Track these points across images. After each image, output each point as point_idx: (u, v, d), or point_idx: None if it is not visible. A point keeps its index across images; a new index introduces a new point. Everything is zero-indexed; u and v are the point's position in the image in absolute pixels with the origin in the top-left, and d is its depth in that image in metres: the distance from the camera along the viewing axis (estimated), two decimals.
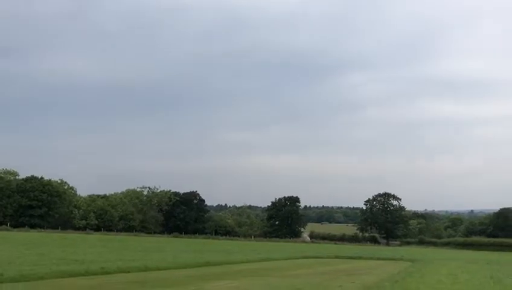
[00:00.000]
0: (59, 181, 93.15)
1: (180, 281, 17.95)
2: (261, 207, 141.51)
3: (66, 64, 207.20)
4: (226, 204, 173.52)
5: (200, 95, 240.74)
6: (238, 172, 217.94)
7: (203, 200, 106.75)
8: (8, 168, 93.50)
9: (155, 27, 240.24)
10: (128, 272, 20.32)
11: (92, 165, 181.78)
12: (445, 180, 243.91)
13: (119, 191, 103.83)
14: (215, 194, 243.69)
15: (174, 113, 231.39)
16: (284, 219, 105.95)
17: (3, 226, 74.39)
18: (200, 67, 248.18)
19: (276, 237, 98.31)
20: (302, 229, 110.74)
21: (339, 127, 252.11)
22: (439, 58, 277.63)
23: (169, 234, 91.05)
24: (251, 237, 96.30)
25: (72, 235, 67.31)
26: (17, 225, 77.34)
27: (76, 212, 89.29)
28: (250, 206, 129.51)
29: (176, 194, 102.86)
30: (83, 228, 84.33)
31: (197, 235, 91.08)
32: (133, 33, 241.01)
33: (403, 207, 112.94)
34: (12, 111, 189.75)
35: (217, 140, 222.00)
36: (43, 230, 75.08)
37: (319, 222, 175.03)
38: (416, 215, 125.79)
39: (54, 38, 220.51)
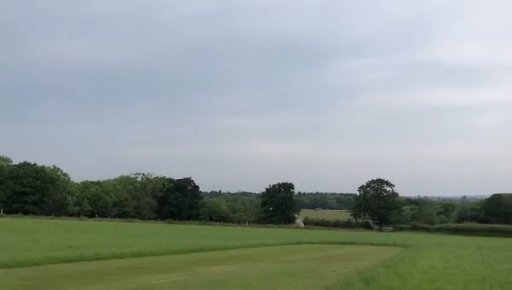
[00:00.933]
0: (52, 167, 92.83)
1: (175, 267, 18.03)
2: (255, 193, 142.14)
3: (57, 49, 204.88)
4: (220, 190, 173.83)
5: (195, 80, 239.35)
6: (233, 158, 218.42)
7: (197, 187, 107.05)
8: (1, 155, 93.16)
9: (149, 12, 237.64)
10: (123, 257, 20.37)
11: (85, 151, 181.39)
12: (438, 167, 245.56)
13: (113, 178, 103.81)
14: (209, 181, 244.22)
15: (168, 99, 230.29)
16: (278, 205, 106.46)
17: None
18: (194, 53, 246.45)
19: (270, 223, 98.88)
20: (296, 215, 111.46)
21: (333, 114, 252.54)
22: (436, 44, 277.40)
23: (164, 220, 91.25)
24: (245, 223, 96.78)
25: (65, 222, 67.26)
26: (10, 211, 77.14)
27: (70, 198, 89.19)
28: (244, 193, 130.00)
29: (170, 180, 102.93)
30: (76, 214, 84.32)
31: (191, 221, 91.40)
32: (126, 18, 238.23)
33: (396, 193, 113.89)
34: (4, 98, 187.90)
35: (212, 126, 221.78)
36: (36, 216, 74.96)
37: (313, 208, 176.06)
38: (409, 201, 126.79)
39: (45, 24, 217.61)
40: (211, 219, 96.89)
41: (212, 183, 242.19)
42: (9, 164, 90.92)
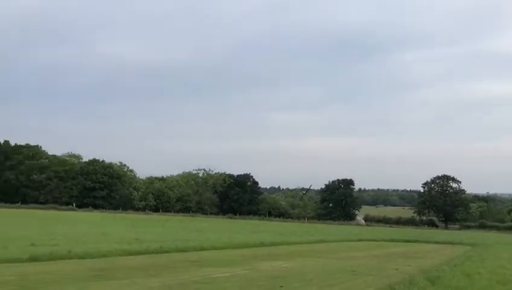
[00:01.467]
0: (119, 164, 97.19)
1: (235, 261, 18.35)
2: (314, 189, 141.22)
3: (120, 49, 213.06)
4: (279, 186, 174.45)
5: (252, 76, 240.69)
6: (291, 154, 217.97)
7: (257, 182, 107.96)
8: (73, 152, 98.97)
9: (203, 9, 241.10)
10: (186, 251, 21.03)
11: (149, 148, 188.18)
12: (508, 162, 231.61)
13: (176, 174, 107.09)
14: (268, 177, 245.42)
15: (226, 95, 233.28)
16: (338, 201, 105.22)
17: (70, 207, 78.99)
18: (251, 48, 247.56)
19: (329, 219, 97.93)
20: (357, 212, 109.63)
21: (393, 107, 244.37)
22: (496, 33, 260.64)
23: (224, 215, 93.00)
24: (304, 219, 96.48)
25: (132, 216, 70.37)
26: (81, 205, 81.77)
27: (136, 193, 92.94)
28: (303, 189, 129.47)
29: (230, 176, 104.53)
30: (142, 209, 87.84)
31: (251, 216, 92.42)
32: (182, 16, 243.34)
33: (463, 190, 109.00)
34: (75, 97, 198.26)
35: (270, 122, 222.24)
36: (105, 210, 78.93)
37: (374, 205, 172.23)
38: (477, 198, 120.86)
39: (109, 23, 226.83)
40: (270, 215, 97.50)
41: (271, 179, 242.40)
42: (80, 160, 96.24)
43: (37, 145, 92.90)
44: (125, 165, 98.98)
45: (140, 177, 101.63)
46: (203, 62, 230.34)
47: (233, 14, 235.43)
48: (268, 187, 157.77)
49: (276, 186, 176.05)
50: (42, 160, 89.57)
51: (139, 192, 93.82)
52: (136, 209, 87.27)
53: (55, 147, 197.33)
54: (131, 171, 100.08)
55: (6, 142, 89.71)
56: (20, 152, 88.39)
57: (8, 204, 72.59)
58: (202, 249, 22.36)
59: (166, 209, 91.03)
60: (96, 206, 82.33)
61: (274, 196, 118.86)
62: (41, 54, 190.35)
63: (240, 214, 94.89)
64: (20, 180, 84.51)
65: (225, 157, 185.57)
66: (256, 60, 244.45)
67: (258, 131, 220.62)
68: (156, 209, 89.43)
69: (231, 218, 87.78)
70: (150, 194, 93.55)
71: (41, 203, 79.53)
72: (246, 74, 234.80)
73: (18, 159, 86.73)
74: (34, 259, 15.07)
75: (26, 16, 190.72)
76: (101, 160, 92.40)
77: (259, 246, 26.99)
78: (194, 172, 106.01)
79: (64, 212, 69.11)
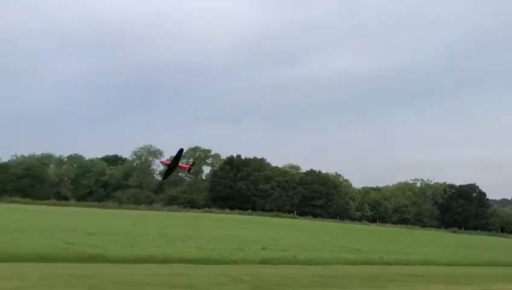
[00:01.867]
0: (334, 174, 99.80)
1: (465, 280, 16.93)
2: None
3: (337, 63, 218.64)
4: None
5: (475, 75, 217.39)
6: None
7: (484, 194, 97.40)
8: (293, 163, 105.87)
9: (424, 10, 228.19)
10: (406, 264, 20.40)
11: (363, 157, 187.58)
12: None
13: (391, 184, 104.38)
14: (498, 187, 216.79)
15: (445, 98, 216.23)
16: None
17: (291, 215, 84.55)
18: (466, 49, 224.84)
19: None
20: None
21: None
22: None
23: (446, 228, 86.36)
24: None
25: (349, 225, 71.37)
26: (302, 214, 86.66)
27: (352, 203, 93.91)
28: None
29: (452, 186, 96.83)
30: (358, 219, 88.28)
31: (479, 231, 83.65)
32: (401, 20, 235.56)
33: None
34: (293, 113, 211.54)
35: (497, 125, 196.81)
36: (323, 219, 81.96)
37: None
38: None
39: (324, 41, 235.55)
40: (503, 230, 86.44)
41: (502, 189, 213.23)
42: (299, 171, 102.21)
43: (262, 158, 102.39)
44: (340, 175, 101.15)
45: (356, 187, 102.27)
46: (424, 66, 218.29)
47: (456, 11, 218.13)
48: (498, 199, 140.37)
49: (509, 198, 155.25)
50: (267, 171, 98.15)
51: (355, 202, 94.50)
52: (353, 219, 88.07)
53: (276, 158, 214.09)
54: (347, 181, 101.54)
55: (238, 157, 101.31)
56: (249, 164, 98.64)
57: (241, 211, 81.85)
58: (425, 263, 21.35)
59: (383, 220, 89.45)
60: (315, 215, 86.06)
61: (507, 209, 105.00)
62: (266, 74, 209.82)
63: (465, 228, 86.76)
64: (250, 189, 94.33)
65: (442, 166, 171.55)
66: (482, 59, 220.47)
67: (483, 136, 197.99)
68: (372, 220, 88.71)
69: (455, 232, 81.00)
70: (366, 204, 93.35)
71: (267, 210, 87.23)
72: (469, 74, 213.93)
73: (247, 171, 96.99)
74: (264, 262, 16.76)
75: (246, 41, 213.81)
76: (317, 171, 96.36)
77: (491, 265, 24.31)
78: (410, 182, 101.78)
79: (286, 219, 74.37)
